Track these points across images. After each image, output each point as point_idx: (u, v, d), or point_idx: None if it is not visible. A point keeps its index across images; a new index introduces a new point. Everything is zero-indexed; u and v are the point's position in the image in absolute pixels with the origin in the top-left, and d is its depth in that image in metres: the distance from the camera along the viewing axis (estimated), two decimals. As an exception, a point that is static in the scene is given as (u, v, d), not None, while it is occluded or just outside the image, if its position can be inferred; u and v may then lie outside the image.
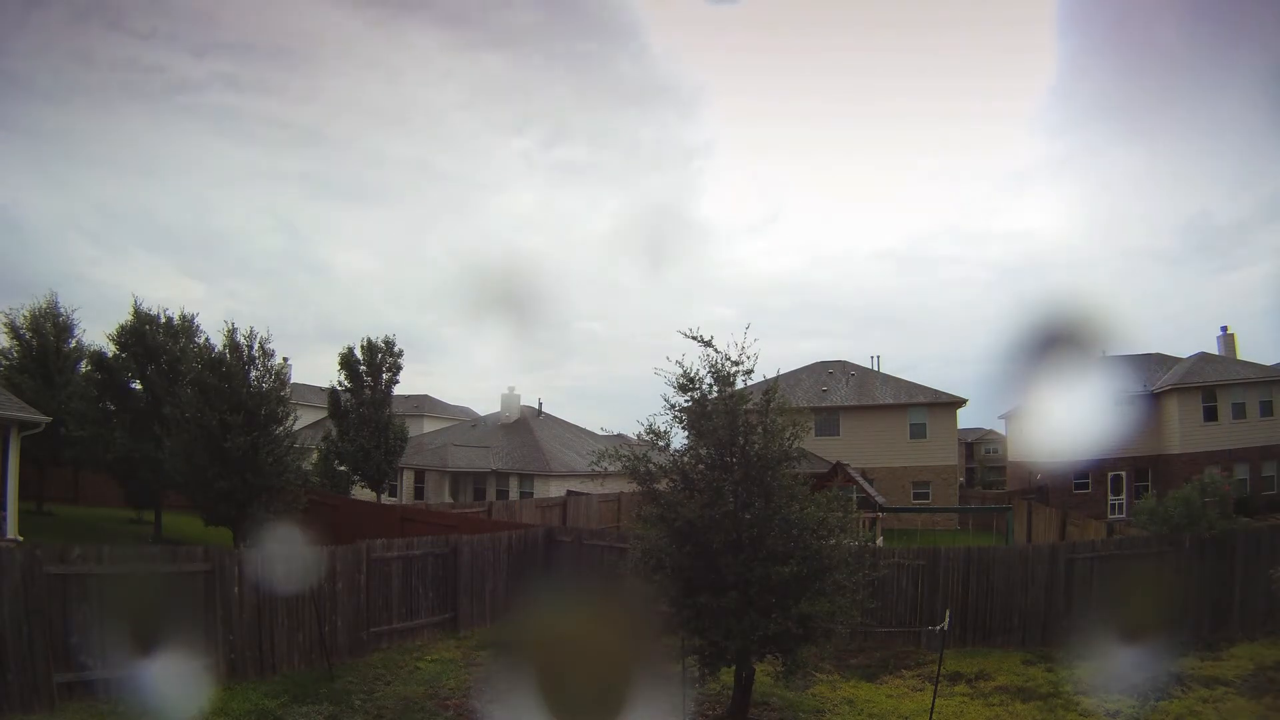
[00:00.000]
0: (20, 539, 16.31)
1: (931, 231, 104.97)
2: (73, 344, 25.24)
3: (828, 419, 38.30)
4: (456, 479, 36.21)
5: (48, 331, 24.48)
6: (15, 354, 24.35)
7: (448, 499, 34.40)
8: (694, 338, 9.35)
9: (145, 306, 21.66)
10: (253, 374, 18.53)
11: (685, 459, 9.68)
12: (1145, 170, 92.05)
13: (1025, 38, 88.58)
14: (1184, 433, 35.41)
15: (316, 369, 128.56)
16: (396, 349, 28.51)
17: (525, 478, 35.02)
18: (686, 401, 9.54)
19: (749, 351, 9.34)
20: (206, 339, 20.85)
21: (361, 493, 30.08)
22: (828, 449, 35.01)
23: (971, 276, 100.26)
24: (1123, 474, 37.05)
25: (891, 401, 38.94)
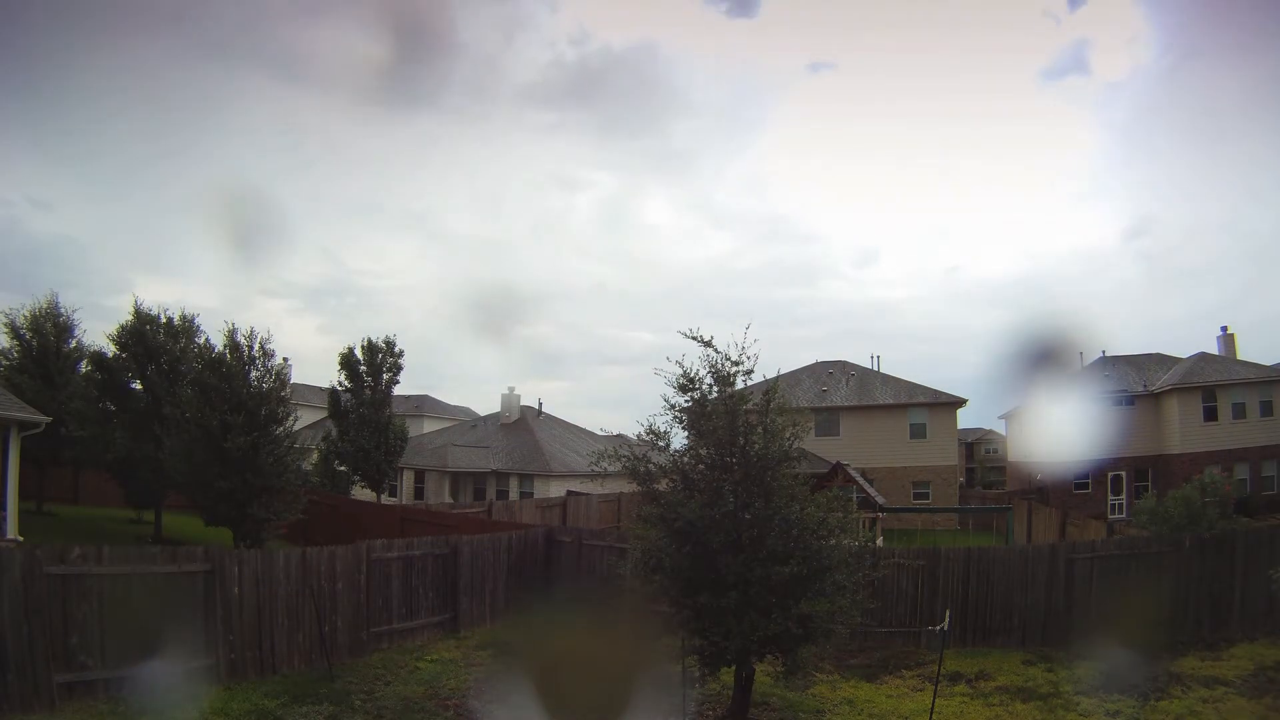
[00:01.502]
0: (20, 539, 16.33)
1: (933, 232, 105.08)
2: (73, 344, 25.24)
3: (828, 419, 38.33)
4: (456, 479, 36.21)
5: (48, 331, 24.45)
6: (15, 354, 24.34)
7: (448, 499, 34.39)
8: (694, 338, 9.37)
9: (145, 306, 21.69)
10: (253, 374, 18.53)
11: (685, 459, 9.69)
12: (1152, 176, 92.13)
13: (1030, 38, 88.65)
14: (1184, 433, 35.44)
15: (317, 367, 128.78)
16: (397, 349, 28.60)
17: (525, 478, 35.02)
18: (686, 402, 9.55)
19: (749, 351, 9.37)
20: (207, 339, 20.82)
21: (361, 493, 30.07)
22: (828, 449, 35.02)
23: (973, 277, 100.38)
24: (1123, 474, 37.07)
25: (891, 401, 38.97)
